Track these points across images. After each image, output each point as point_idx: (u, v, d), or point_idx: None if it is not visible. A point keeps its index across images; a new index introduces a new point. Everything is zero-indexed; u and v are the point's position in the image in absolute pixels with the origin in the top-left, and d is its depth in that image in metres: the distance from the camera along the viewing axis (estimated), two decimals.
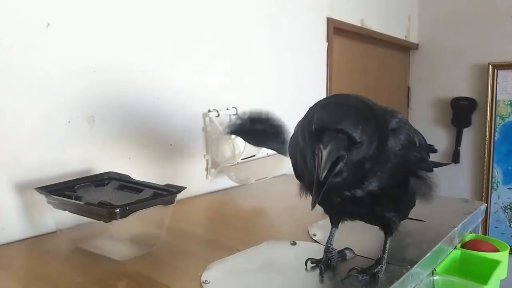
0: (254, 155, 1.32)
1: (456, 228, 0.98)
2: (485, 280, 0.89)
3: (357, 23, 2.17)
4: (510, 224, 2.56)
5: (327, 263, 0.75)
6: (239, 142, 1.28)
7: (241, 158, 1.28)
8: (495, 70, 2.53)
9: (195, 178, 1.35)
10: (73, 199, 0.84)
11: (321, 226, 0.98)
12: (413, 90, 2.89)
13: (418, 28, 2.82)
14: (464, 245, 1.03)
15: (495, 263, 0.93)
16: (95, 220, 0.78)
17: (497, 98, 2.55)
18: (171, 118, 1.27)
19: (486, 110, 2.57)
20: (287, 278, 0.74)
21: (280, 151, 1.14)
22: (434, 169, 0.77)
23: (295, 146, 0.71)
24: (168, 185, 0.90)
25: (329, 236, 0.80)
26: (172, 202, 0.86)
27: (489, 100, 2.55)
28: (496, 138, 2.57)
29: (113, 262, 0.80)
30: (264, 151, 1.35)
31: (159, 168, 1.24)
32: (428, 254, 0.83)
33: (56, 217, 0.88)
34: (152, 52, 1.19)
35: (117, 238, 0.84)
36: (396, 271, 0.74)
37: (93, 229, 0.86)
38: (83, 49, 1.04)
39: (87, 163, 1.06)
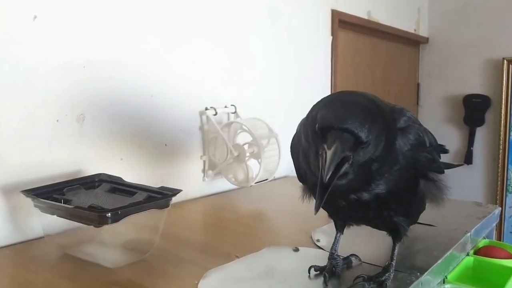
0: (266, 179, 1.36)
1: (469, 234, 0.98)
2: None
3: (363, 15, 2.17)
4: None
5: (332, 270, 0.75)
6: (253, 165, 1.30)
7: (255, 181, 1.31)
8: (510, 66, 2.53)
9: (191, 180, 1.35)
10: (61, 203, 0.84)
11: (325, 231, 0.98)
12: (423, 87, 2.89)
13: (428, 20, 2.82)
14: (477, 252, 1.03)
15: (510, 271, 0.93)
16: (85, 225, 0.78)
17: None
18: (166, 117, 1.27)
19: (501, 108, 2.57)
20: (289, 286, 0.74)
21: None
22: (445, 170, 0.77)
23: (298, 146, 0.71)
24: (162, 187, 0.90)
25: (334, 242, 0.80)
26: (167, 206, 0.86)
27: (503, 97, 2.55)
28: (511, 137, 2.57)
29: (104, 270, 0.80)
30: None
31: (153, 170, 1.24)
32: (439, 261, 0.83)
33: (43, 222, 0.88)
34: (146, 46, 1.19)
35: (109, 244, 0.84)
36: (405, 279, 0.74)
37: (83, 234, 0.86)
38: (72, 43, 1.03)
39: (77, 164, 1.06)
